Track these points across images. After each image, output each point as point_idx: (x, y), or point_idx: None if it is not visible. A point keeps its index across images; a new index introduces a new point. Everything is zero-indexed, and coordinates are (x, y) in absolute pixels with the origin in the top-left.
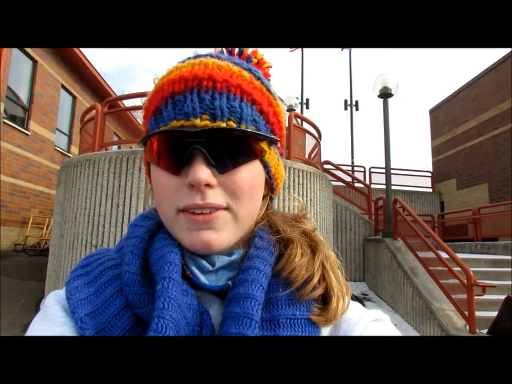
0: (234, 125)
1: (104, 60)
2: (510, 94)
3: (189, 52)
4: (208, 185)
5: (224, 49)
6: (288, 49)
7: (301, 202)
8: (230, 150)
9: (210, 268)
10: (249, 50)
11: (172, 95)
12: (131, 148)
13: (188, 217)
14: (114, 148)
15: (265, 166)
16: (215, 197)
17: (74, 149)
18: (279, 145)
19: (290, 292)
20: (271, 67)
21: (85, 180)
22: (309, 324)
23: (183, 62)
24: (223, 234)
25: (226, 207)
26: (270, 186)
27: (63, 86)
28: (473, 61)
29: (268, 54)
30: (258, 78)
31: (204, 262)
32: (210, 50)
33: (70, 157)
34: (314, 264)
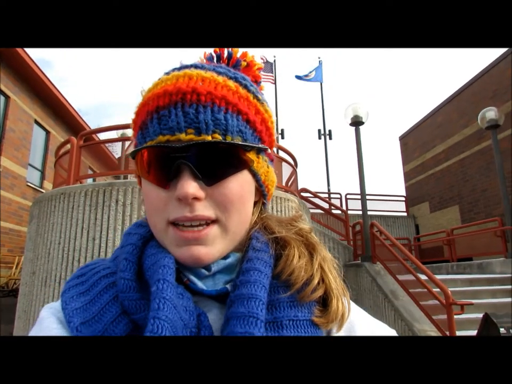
0: (219, 138)
1: (79, 97)
2: (472, 119)
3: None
4: (196, 198)
5: (213, 52)
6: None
7: (296, 203)
8: (217, 163)
9: (207, 273)
10: (239, 53)
11: (157, 109)
12: (106, 180)
13: (178, 234)
14: (90, 181)
15: (254, 175)
16: (204, 209)
17: (48, 185)
18: (269, 151)
19: (291, 294)
20: (261, 68)
21: (59, 214)
22: (311, 325)
23: (167, 73)
24: (213, 248)
25: (216, 219)
26: (261, 193)
27: (36, 121)
28: (436, 90)
29: None
30: (245, 87)
31: (200, 268)
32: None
33: (42, 192)
34: (313, 265)
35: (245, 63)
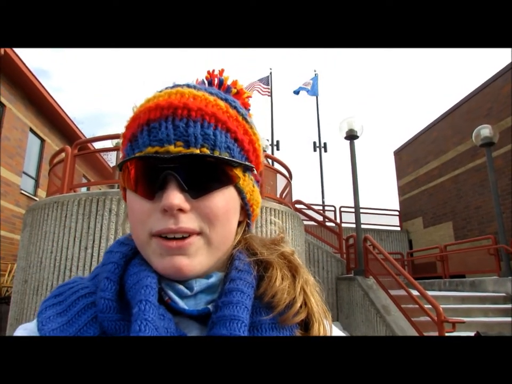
0: (207, 152)
1: (75, 106)
2: (466, 136)
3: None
4: (181, 210)
5: (204, 78)
6: (258, 93)
7: (279, 226)
8: (203, 176)
9: (189, 293)
10: (229, 81)
11: (148, 122)
12: (100, 189)
13: (161, 243)
14: (83, 190)
15: (240, 192)
16: (188, 221)
17: (42, 193)
18: (255, 172)
19: (273, 316)
20: (250, 97)
21: (52, 222)
22: None
23: (160, 91)
24: (195, 260)
25: (199, 232)
26: (246, 212)
27: (31, 129)
28: (431, 106)
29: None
30: (235, 107)
31: (182, 287)
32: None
33: (36, 200)
34: (296, 288)
35: (235, 90)
